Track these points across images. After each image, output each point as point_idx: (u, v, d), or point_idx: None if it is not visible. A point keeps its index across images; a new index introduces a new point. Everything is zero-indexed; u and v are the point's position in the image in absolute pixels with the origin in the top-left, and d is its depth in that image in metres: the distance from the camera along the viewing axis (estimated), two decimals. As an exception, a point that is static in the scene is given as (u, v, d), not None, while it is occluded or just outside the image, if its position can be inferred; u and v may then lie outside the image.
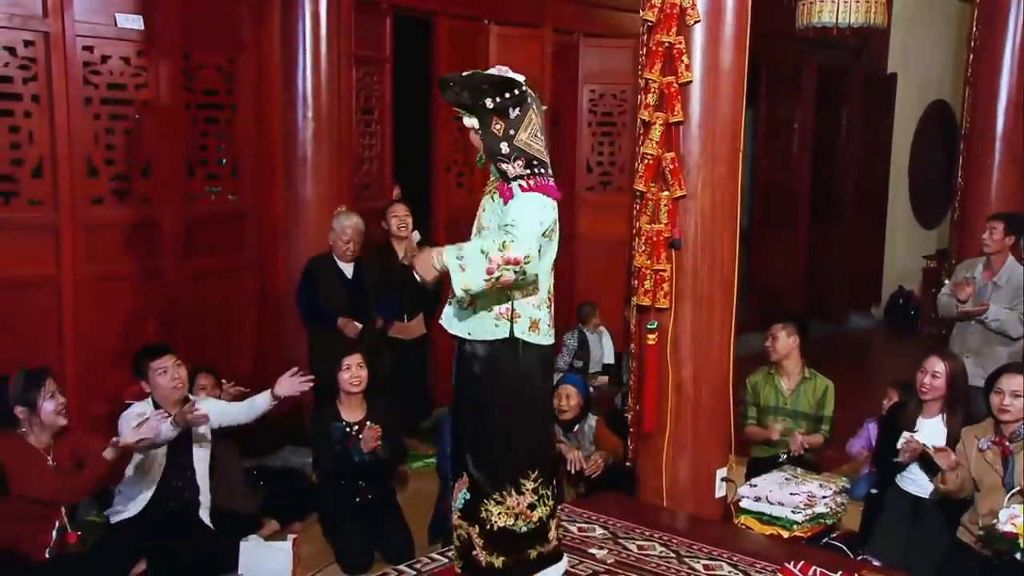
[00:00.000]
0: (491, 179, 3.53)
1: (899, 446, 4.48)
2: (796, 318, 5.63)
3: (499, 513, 3.48)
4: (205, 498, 4.69)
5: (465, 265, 3.22)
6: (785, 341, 5.36)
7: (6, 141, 4.97)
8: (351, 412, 4.98)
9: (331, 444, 4.92)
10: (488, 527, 3.49)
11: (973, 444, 4.38)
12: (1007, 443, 4.23)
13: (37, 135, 5.05)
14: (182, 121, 5.67)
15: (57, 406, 4.08)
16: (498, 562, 3.51)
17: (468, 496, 3.52)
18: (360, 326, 5.60)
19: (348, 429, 4.94)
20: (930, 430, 4.64)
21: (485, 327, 3.42)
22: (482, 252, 3.22)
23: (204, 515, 4.69)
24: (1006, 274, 5.65)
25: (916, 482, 4.64)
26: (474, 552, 3.53)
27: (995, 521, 4.11)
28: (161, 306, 5.61)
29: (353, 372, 4.93)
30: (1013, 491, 4.12)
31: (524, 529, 3.51)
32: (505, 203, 3.38)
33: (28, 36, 4.97)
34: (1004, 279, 5.65)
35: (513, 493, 3.48)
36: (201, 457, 4.70)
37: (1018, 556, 3.94)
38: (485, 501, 3.49)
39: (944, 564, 4.33)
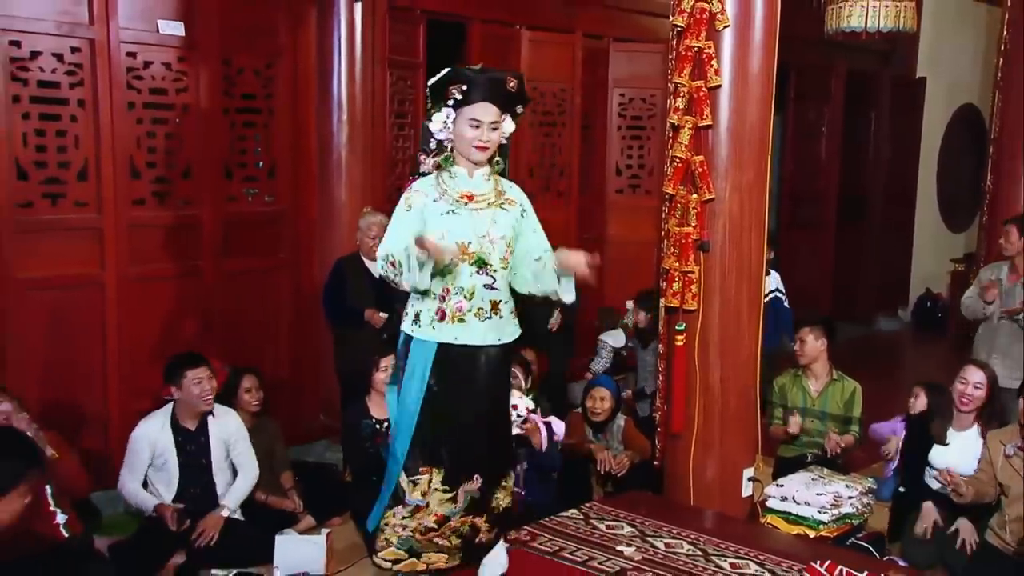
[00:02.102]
0: (472, 192, 3.46)
1: (935, 476, 4.55)
2: (824, 321, 5.61)
3: (503, 496, 3.66)
4: (228, 498, 4.75)
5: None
6: (813, 344, 5.35)
7: (54, 144, 5.05)
8: (381, 409, 4.99)
9: (361, 441, 4.96)
10: (497, 512, 3.65)
11: (999, 450, 4.37)
12: None
13: (83, 138, 5.12)
14: (221, 124, 5.71)
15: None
16: (494, 536, 3.72)
17: (477, 494, 3.57)
18: (385, 316, 5.63)
19: (377, 426, 4.97)
20: (962, 442, 4.67)
21: (510, 329, 3.52)
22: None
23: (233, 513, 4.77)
24: None
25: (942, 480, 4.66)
26: (479, 539, 3.66)
27: (996, 531, 4.11)
28: (200, 305, 5.67)
29: (388, 373, 4.95)
30: None
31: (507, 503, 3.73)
32: (495, 206, 3.48)
33: (75, 43, 5.05)
34: None
35: (511, 474, 3.72)
36: (221, 465, 4.77)
37: None
38: (495, 490, 3.62)
39: (973, 566, 4.33)
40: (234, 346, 5.72)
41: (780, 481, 4.85)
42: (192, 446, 4.71)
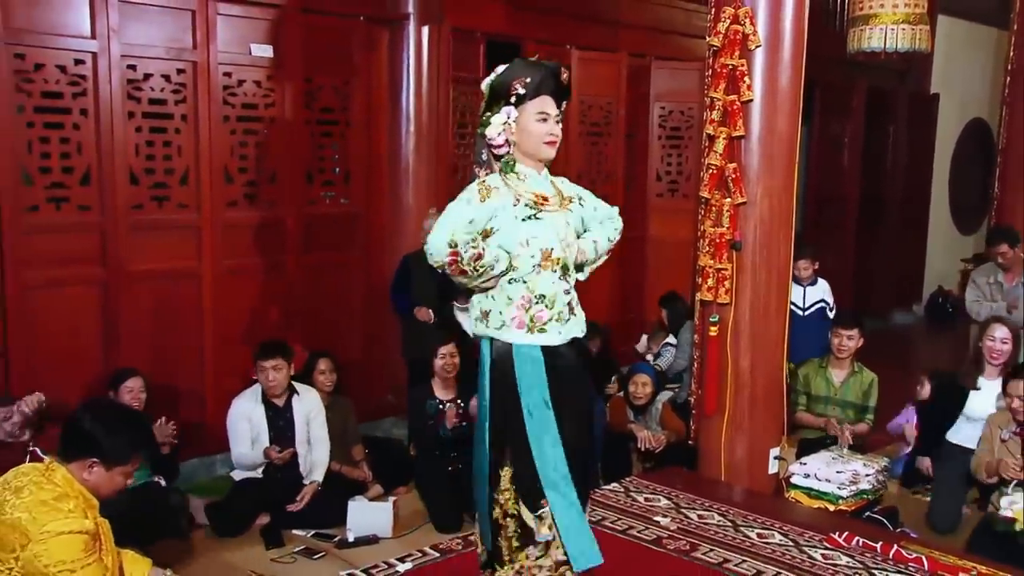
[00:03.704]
0: (533, 192, 2.87)
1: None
2: (860, 320, 5.49)
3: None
4: (306, 469, 4.81)
5: (602, 254, 3.06)
6: (858, 341, 5.27)
7: (160, 153, 5.12)
8: (444, 392, 5.02)
9: (425, 419, 4.98)
10: None
11: (996, 433, 4.38)
12: None
13: (185, 148, 5.19)
14: (303, 135, 5.74)
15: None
16: None
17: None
18: (431, 312, 5.55)
19: (440, 407, 4.99)
20: (991, 389, 4.69)
21: (583, 320, 2.98)
22: (609, 240, 3.09)
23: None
24: None
25: (960, 432, 4.77)
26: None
27: (998, 507, 4.08)
28: (283, 295, 5.72)
29: (447, 360, 4.96)
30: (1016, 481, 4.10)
31: None
32: (565, 206, 2.97)
33: (180, 65, 5.12)
34: None
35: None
36: (303, 438, 4.81)
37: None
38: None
39: (977, 534, 4.31)
40: (312, 332, 5.77)
41: (803, 459, 4.84)
42: (281, 420, 4.78)
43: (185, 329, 5.29)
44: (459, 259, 2.74)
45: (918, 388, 5.70)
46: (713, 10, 4.60)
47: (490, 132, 2.84)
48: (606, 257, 3.09)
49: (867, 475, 4.71)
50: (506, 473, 2.87)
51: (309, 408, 4.87)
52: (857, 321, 5.40)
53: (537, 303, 2.82)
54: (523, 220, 2.80)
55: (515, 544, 2.88)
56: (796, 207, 4.69)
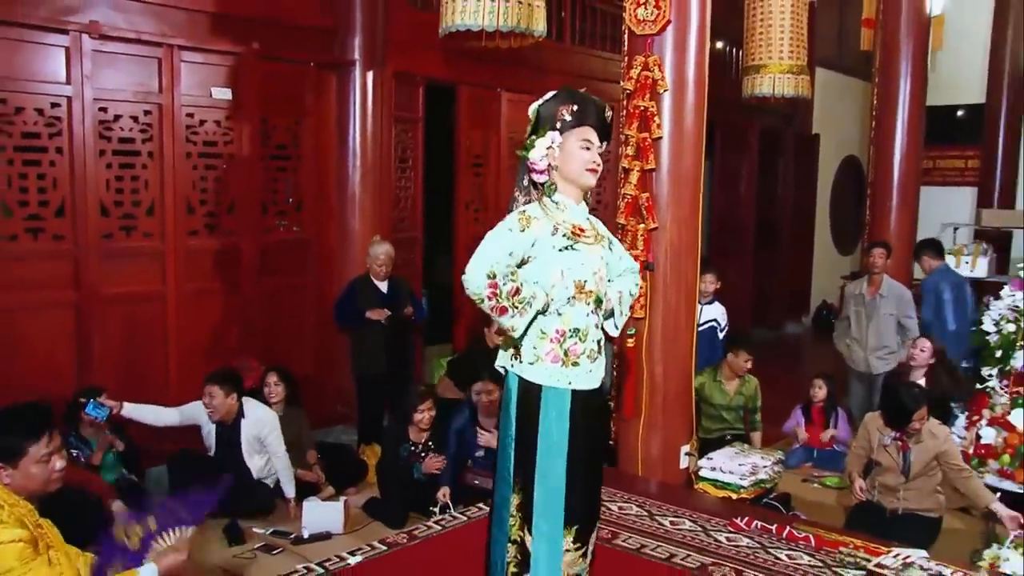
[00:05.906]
0: (581, 225, 2.66)
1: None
2: (748, 340, 5.77)
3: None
4: (287, 488, 4.85)
5: (624, 310, 2.80)
6: (748, 362, 5.59)
7: (128, 187, 5.10)
8: (417, 435, 5.05)
9: (399, 460, 4.99)
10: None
11: (876, 432, 4.43)
12: (906, 438, 4.32)
13: (151, 183, 5.17)
14: (259, 170, 5.73)
15: None
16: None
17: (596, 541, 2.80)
18: (387, 312, 5.59)
19: (413, 448, 5.02)
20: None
21: (606, 365, 2.73)
22: (631, 295, 2.84)
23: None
24: (886, 287, 6.02)
25: None
26: None
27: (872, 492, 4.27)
28: (241, 315, 5.69)
29: (424, 415, 4.97)
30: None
31: None
32: (599, 242, 2.73)
33: (147, 107, 5.12)
34: (887, 290, 6.01)
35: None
36: (252, 453, 4.81)
37: None
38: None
39: (854, 513, 4.46)
40: (268, 349, 5.74)
41: (710, 455, 4.89)
42: (228, 437, 4.79)
43: (151, 347, 5.24)
44: (498, 292, 2.48)
45: (814, 391, 5.95)
46: (626, 58, 4.63)
47: (533, 155, 2.63)
48: (629, 315, 2.85)
49: (764, 466, 4.82)
50: (514, 500, 2.65)
51: (260, 425, 4.84)
52: (752, 347, 5.73)
53: (571, 336, 2.58)
54: (560, 250, 2.57)
55: (513, 570, 2.67)
56: (701, 232, 4.72)
